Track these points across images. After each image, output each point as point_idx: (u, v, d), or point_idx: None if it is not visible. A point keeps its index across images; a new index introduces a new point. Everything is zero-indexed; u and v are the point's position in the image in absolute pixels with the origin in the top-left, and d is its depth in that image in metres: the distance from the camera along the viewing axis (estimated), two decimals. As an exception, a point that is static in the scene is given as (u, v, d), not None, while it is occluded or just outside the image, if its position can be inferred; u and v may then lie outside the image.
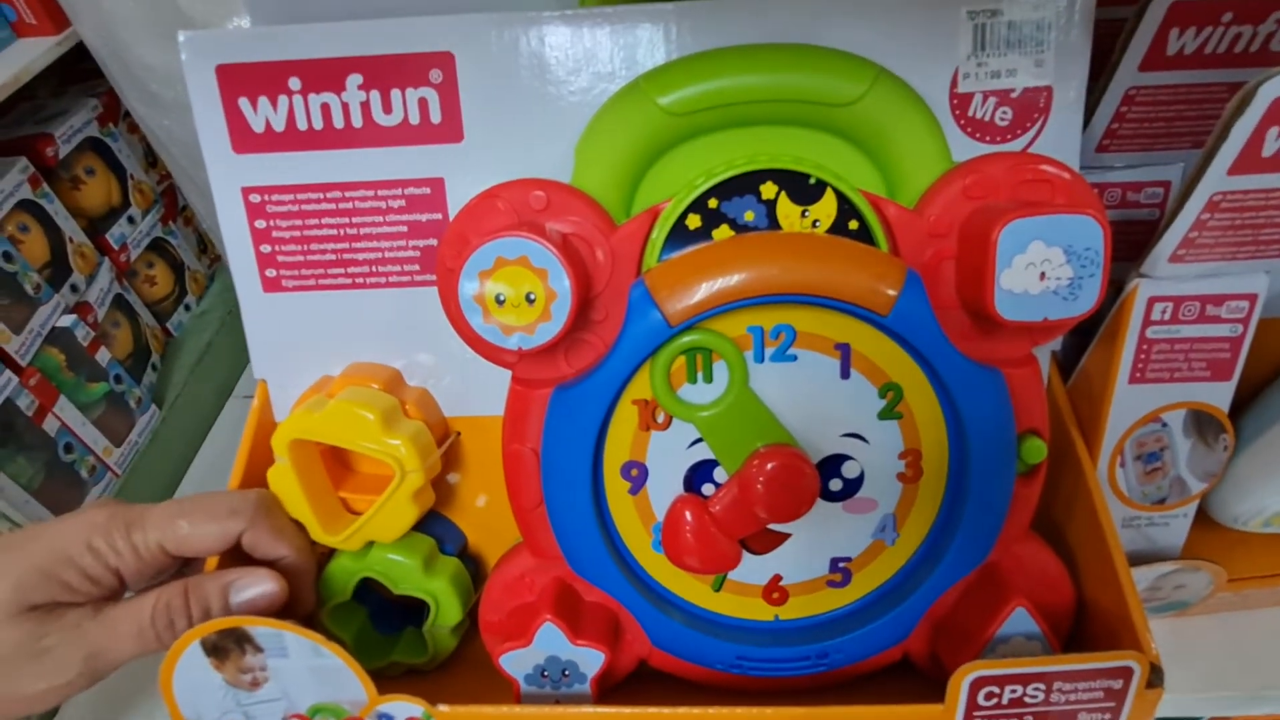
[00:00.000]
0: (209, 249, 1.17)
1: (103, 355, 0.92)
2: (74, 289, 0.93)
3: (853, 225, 0.30)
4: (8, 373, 0.79)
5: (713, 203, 0.30)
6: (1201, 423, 0.35)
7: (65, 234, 0.90)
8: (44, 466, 0.84)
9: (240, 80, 0.33)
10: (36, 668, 0.27)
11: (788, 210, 0.30)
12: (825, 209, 0.30)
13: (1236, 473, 0.38)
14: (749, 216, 0.30)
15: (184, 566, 0.33)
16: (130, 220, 0.99)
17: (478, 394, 0.36)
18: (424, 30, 0.33)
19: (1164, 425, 0.35)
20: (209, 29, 0.33)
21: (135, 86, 0.80)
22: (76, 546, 0.28)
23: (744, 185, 0.30)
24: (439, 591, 0.35)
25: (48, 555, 0.27)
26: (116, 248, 1.00)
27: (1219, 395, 0.35)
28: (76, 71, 0.96)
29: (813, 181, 0.29)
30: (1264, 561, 0.41)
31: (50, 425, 0.83)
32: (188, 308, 1.11)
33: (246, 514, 0.31)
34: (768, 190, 0.30)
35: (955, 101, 0.32)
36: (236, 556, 0.32)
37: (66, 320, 0.84)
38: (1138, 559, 0.39)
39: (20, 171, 0.86)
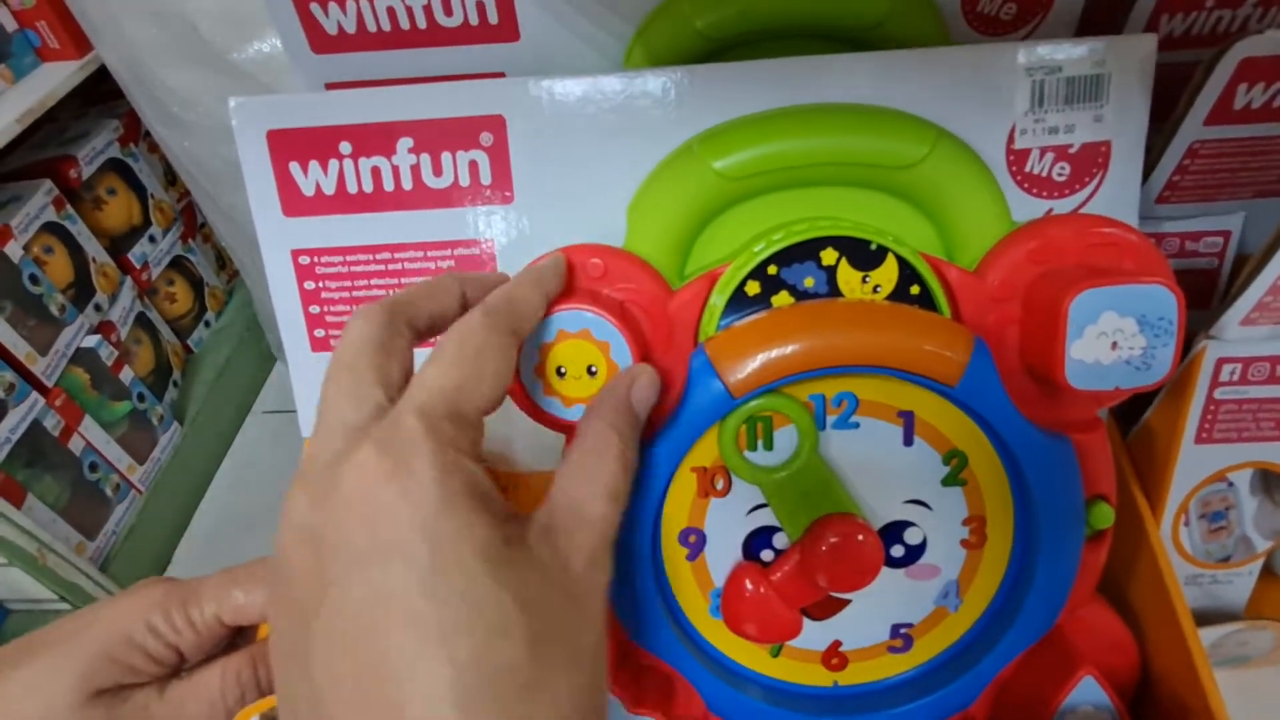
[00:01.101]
0: (227, 265, 1.18)
1: (126, 374, 0.92)
2: (97, 308, 0.94)
3: (914, 290, 0.29)
4: (34, 394, 0.80)
5: (772, 269, 0.29)
6: (1269, 482, 0.35)
7: (88, 254, 0.92)
8: (70, 485, 0.85)
9: (291, 145, 0.33)
10: None
11: (848, 276, 0.29)
12: (886, 274, 0.29)
13: (1304, 529, 0.37)
14: (809, 283, 0.30)
15: (236, 636, 0.32)
16: (151, 239, 1.00)
17: (528, 450, 0.36)
18: (475, 93, 0.33)
19: (1230, 485, 0.34)
20: (260, 96, 0.33)
21: (156, 108, 0.81)
22: (137, 628, 0.27)
23: (804, 252, 0.29)
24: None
25: (109, 639, 0.27)
26: (138, 266, 1.01)
27: (1288, 454, 0.34)
28: (97, 93, 0.97)
29: (874, 247, 0.29)
30: (1331, 617, 0.40)
31: (75, 444, 0.84)
32: (207, 324, 1.13)
33: None
34: (828, 256, 0.29)
35: (1012, 158, 0.31)
36: None
37: (90, 340, 0.85)
38: (1200, 616, 0.38)
39: (45, 194, 0.87)
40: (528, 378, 0.29)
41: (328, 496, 0.21)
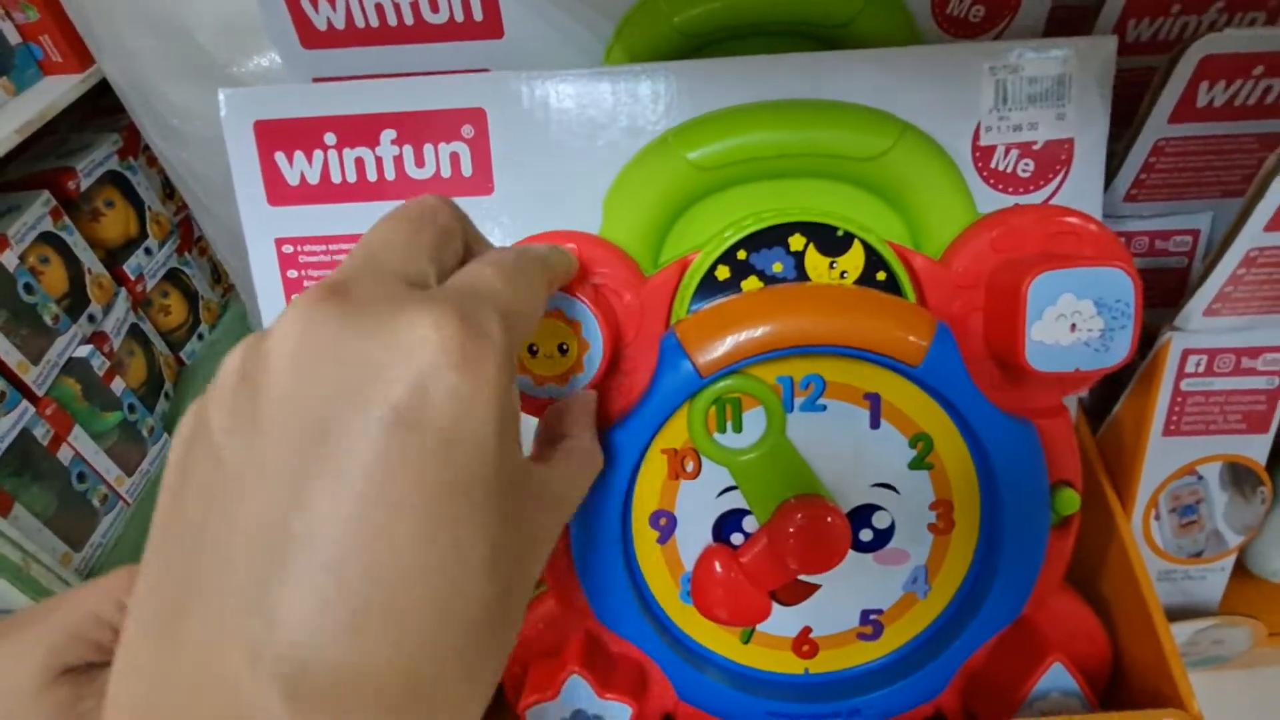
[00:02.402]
0: (223, 278, 1.19)
1: (117, 385, 0.92)
2: (91, 319, 0.94)
3: (880, 276, 0.30)
4: (25, 403, 0.80)
5: (741, 254, 0.30)
6: (1238, 476, 0.35)
7: (84, 265, 0.92)
8: (57, 495, 0.84)
9: (277, 135, 0.34)
10: None
11: (816, 262, 0.30)
12: (853, 260, 0.30)
13: (1276, 525, 0.37)
14: (777, 268, 0.30)
15: None
16: (147, 251, 1.01)
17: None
18: (457, 87, 0.33)
19: (1200, 478, 0.35)
20: (249, 87, 0.34)
21: (156, 121, 0.82)
22: (107, 606, 0.27)
23: (772, 238, 0.30)
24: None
25: (79, 618, 0.27)
26: (133, 278, 1.01)
27: (1256, 448, 0.34)
28: (99, 106, 0.98)
29: (840, 234, 0.30)
30: (1306, 616, 0.40)
31: (64, 454, 0.84)
32: (200, 336, 1.13)
33: None
34: (796, 242, 0.30)
35: (978, 154, 0.32)
36: None
37: (83, 350, 0.85)
38: (1174, 613, 0.38)
39: (43, 204, 0.88)
40: (500, 357, 0.29)
41: (376, 332, 0.17)
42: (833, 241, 0.30)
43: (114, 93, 0.81)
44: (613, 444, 0.30)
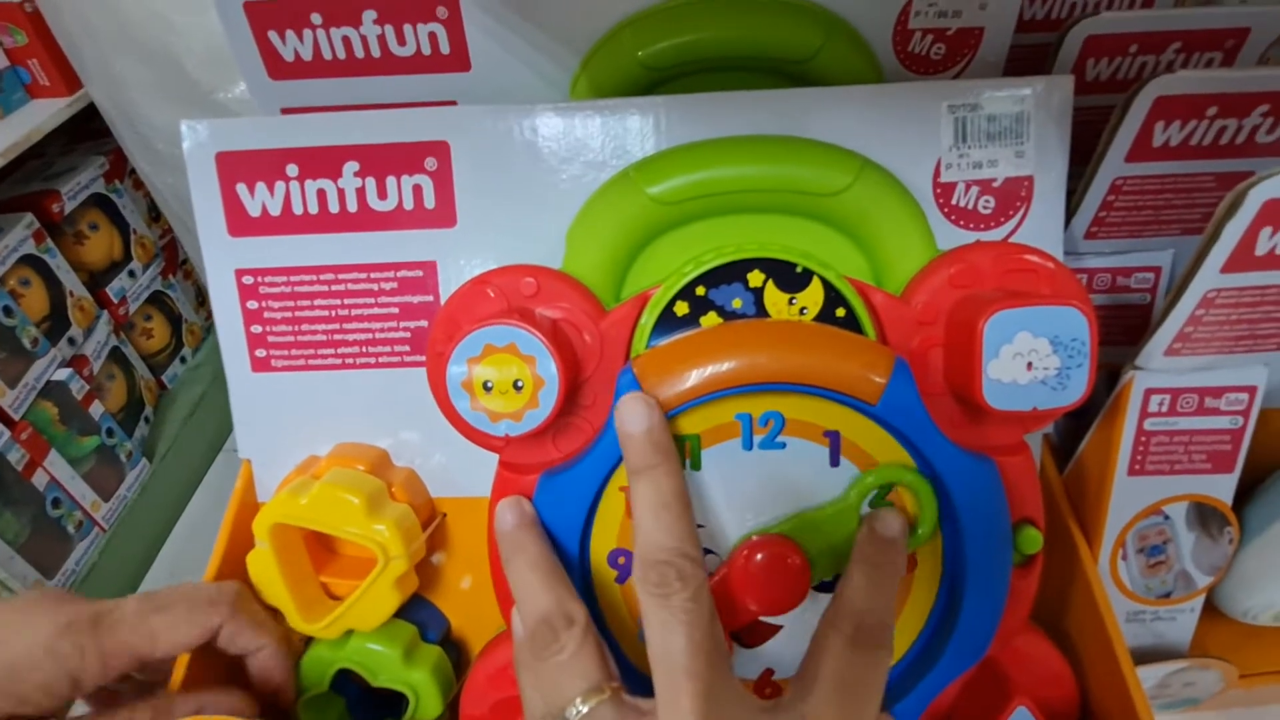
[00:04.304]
0: (206, 302, 1.19)
1: (96, 409, 0.91)
2: (71, 342, 0.93)
3: (840, 313, 0.30)
4: (0, 427, 0.78)
5: (700, 290, 0.30)
6: (1205, 515, 0.35)
7: (66, 288, 0.91)
8: (31, 521, 0.83)
9: (239, 167, 0.34)
10: None
11: (775, 298, 0.30)
12: (812, 296, 0.30)
13: (1244, 566, 0.37)
14: (737, 304, 0.30)
15: (139, 671, 0.31)
16: (131, 274, 1.00)
17: (465, 474, 0.36)
18: (421, 120, 0.33)
19: (1166, 518, 0.34)
20: (211, 119, 0.34)
21: (142, 145, 0.82)
22: (36, 653, 0.26)
23: (732, 273, 0.30)
24: (419, 684, 0.34)
25: (3, 669, 0.26)
26: (116, 301, 1.01)
27: (1221, 488, 0.34)
28: (86, 130, 0.99)
29: (799, 270, 0.30)
30: (1277, 657, 0.40)
31: (39, 479, 0.83)
32: (183, 360, 1.12)
33: (226, 605, 0.30)
34: (755, 279, 0.30)
35: (939, 190, 0.32)
36: (205, 654, 0.31)
37: (62, 374, 0.84)
38: (1145, 655, 0.38)
39: (25, 227, 0.87)
40: (455, 392, 0.29)
41: None
42: (791, 278, 0.30)
43: (101, 116, 0.81)
44: (571, 481, 0.30)
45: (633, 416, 0.27)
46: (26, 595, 0.29)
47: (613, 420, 0.29)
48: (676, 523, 0.25)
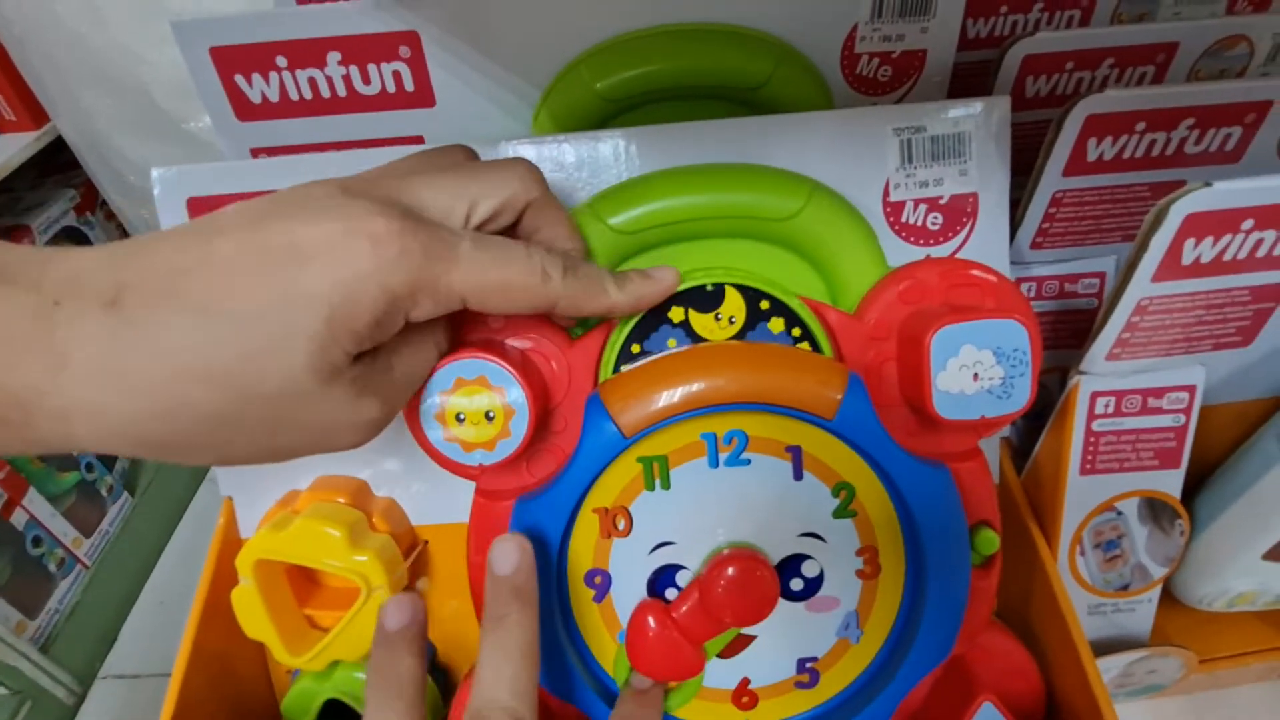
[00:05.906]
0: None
1: (76, 445, 0.89)
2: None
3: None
4: (-25, 469, 0.77)
5: (635, 349, 0.31)
6: (1156, 509, 0.36)
7: (40, 325, 0.90)
8: (10, 561, 0.82)
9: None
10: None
11: (701, 321, 0.31)
12: (732, 306, 0.31)
13: (1197, 556, 0.38)
14: (672, 344, 0.31)
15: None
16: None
17: (446, 501, 0.37)
18: (387, 159, 0.34)
19: (1119, 514, 0.36)
20: (182, 166, 0.34)
21: (113, 178, 0.82)
22: (370, 292, 0.22)
23: (654, 322, 0.31)
24: (406, 707, 0.34)
25: (339, 304, 0.22)
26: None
27: (1169, 482, 0.35)
28: (55, 164, 0.98)
29: (709, 288, 0.31)
30: (1233, 641, 0.41)
31: (18, 519, 0.82)
32: (165, 396, 1.09)
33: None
34: (676, 315, 0.31)
35: (888, 209, 0.34)
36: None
37: (40, 411, 0.82)
38: (1107, 645, 0.39)
39: (-3, 263, 0.85)
40: (429, 424, 0.30)
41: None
42: (704, 298, 0.31)
43: (70, 149, 0.81)
44: (545, 505, 0.31)
45: (501, 559, 0.27)
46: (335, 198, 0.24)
47: (581, 446, 0.30)
48: (516, 679, 0.25)
